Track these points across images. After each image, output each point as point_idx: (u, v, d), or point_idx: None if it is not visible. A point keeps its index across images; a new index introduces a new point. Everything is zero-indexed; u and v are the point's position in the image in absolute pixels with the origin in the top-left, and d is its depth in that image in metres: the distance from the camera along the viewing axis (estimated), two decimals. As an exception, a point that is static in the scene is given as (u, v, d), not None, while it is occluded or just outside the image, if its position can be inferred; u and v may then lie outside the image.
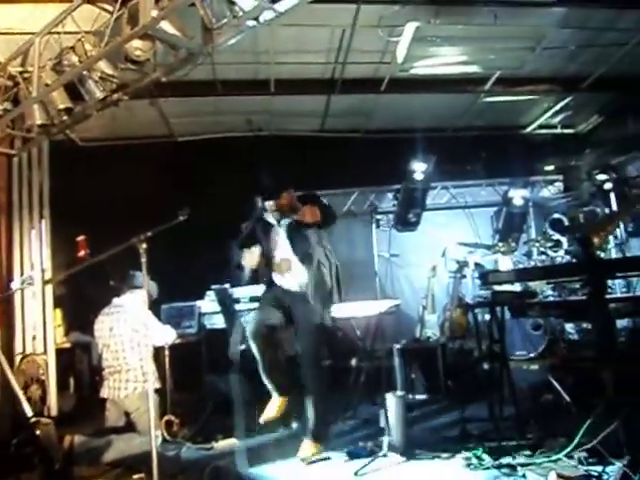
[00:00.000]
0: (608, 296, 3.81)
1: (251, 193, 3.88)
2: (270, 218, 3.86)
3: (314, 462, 3.44)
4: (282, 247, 3.81)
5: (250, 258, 3.86)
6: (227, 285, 5.21)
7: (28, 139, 4.80)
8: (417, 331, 6.04)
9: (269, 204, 3.75)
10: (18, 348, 4.94)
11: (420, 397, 4.92)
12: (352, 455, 3.47)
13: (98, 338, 4.39)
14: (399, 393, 3.66)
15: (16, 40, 4.06)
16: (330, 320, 3.75)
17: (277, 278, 3.81)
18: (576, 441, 2.96)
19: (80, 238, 6.65)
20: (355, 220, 7.44)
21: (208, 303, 5.40)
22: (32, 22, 3.94)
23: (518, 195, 7.26)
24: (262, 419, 3.70)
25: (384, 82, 5.85)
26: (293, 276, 3.75)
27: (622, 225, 6.20)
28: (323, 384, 3.67)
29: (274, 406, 3.69)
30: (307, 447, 3.52)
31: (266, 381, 3.71)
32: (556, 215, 6.52)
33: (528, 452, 3.12)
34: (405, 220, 7.14)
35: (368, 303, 4.77)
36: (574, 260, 4.63)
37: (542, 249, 5.37)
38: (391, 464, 3.27)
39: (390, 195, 7.65)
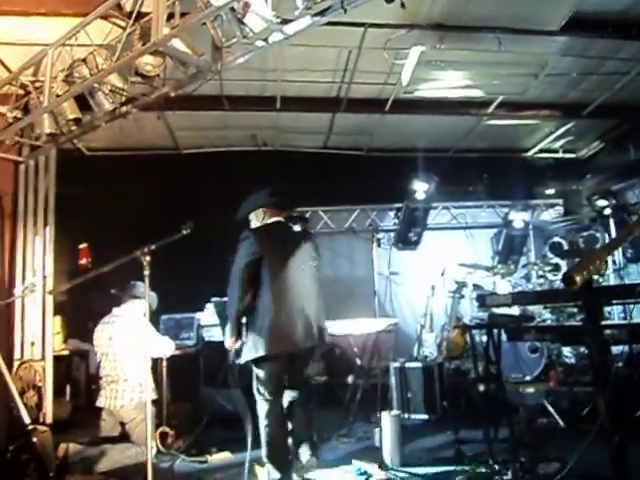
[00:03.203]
0: (605, 322, 3.84)
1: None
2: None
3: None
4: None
5: None
6: (226, 298, 5.23)
7: (36, 147, 4.88)
8: (415, 350, 6.05)
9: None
10: (17, 354, 4.96)
11: (415, 416, 4.91)
12: (347, 474, 3.47)
13: (97, 347, 4.39)
14: (395, 412, 3.67)
15: (29, 51, 4.14)
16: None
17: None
18: (569, 466, 2.96)
19: (82, 246, 6.71)
20: (356, 238, 7.50)
21: (207, 315, 5.42)
22: (45, 34, 4.03)
23: (518, 217, 7.32)
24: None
25: (388, 102, 5.93)
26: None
27: (620, 251, 6.24)
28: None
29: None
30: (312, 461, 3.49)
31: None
32: (556, 239, 6.57)
33: (522, 475, 3.13)
34: (406, 239, 7.19)
35: (366, 321, 4.79)
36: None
37: (541, 272, 5.40)
38: (384, 483, 3.28)
39: (391, 214, 7.72)
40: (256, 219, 3.69)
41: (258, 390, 3.37)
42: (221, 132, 6.60)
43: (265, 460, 3.30)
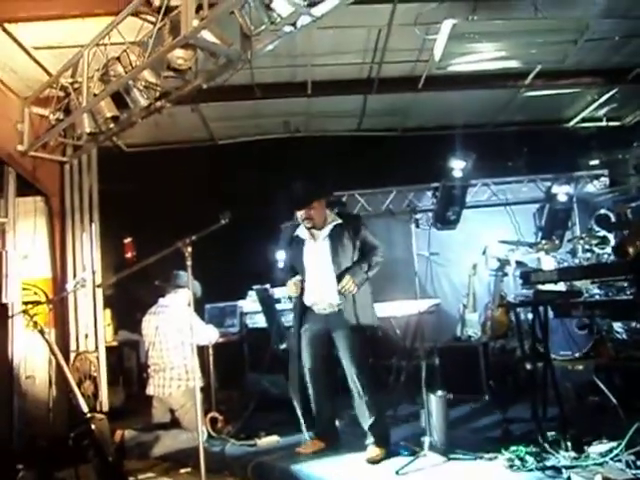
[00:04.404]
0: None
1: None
2: (302, 233, 3.77)
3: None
4: (316, 263, 3.69)
5: (292, 288, 3.74)
6: (268, 285, 5.31)
7: (78, 147, 5.04)
8: (458, 330, 5.98)
9: (299, 214, 3.68)
10: (72, 346, 5.20)
11: (461, 397, 4.87)
12: (393, 454, 3.49)
13: (145, 336, 4.54)
14: (440, 393, 3.65)
15: (66, 53, 4.26)
16: (376, 319, 3.75)
17: (310, 299, 3.70)
18: (624, 443, 2.89)
19: (127, 240, 6.93)
20: (394, 219, 7.44)
21: (250, 303, 5.53)
22: (81, 36, 4.12)
23: (562, 191, 7.08)
24: (297, 450, 3.70)
25: (421, 80, 5.80)
26: (327, 295, 3.63)
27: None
28: (377, 394, 3.66)
29: (311, 445, 3.70)
30: (372, 452, 3.51)
31: (316, 420, 3.73)
32: (602, 211, 6.34)
33: (573, 454, 3.07)
34: (444, 218, 7.08)
35: (408, 302, 4.77)
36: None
37: (587, 246, 5.23)
38: (432, 464, 3.28)
39: (429, 193, 7.62)
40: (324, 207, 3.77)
41: None
42: (254, 121, 6.63)
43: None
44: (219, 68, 3.79)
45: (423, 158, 6.73)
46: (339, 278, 3.56)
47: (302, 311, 3.73)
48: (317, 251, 3.70)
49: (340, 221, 3.75)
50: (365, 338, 3.59)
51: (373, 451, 3.49)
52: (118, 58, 3.94)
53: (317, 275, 3.67)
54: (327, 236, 3.69)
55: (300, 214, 3.68)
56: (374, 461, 3.43)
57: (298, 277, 3.74)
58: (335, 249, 3.63)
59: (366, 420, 3.57)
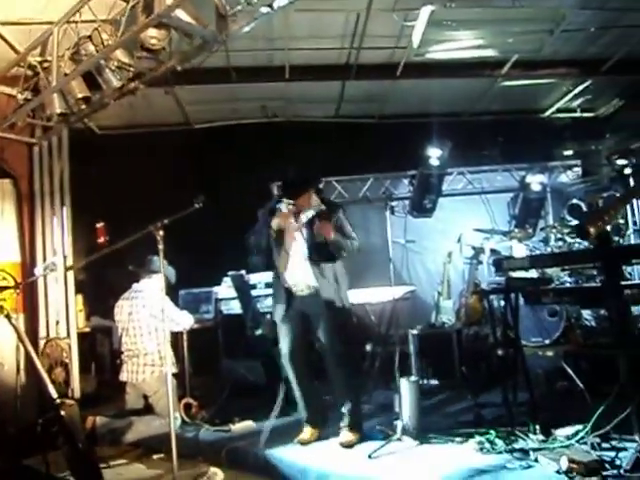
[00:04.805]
0: (624, 283, 3.78)
1: (267, 181, 3.83)
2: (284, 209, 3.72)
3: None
4: (295, 245, 3.67)
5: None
6: (243, 271, 5.28)
7: (48, 128, 4.90)
8: (432, 317, 6.05)
9: (288, 202, 3.65)
10: (42, 332, 5.11)
11: (434, 382, 4.94)
12: (367, 438, 3.52)
13: (118, 322, 4.48)
14: (413, 378, 3.69)
15: (35, 30, 4.12)
16: (348, 303, 3.73)
17: (289, 278, 3.66)
18: (589, 426, 2.97)
19: (99, 225, 6.79)
20: (370, 206, 7.44)
21: (225, 289, 5.49)
22: (50, 12, 3.99)
23: (536, 180, 7.17)
24: (296, 440, 3.63)
25: (399, 67, 5.80)
26: (305, 276, 3.61)
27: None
28: (352, 378, 3.67)
29: (307, 434, 3.67)
30: (346, 436, 3.53)
31: (302, 408, 3.71)
32: (574, 201, 6.44)
33: (541, 437, 3.15)
34: (421, 206, 7.12)
35: (383, 289, 4.80)
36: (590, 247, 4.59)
37: (559, 235, 5.32)
38: (405, 448, 3.32)
39: (405, 181, 7.63)
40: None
41: None
42: (231, 105, 6.55)
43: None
44: (194, 49, 3.72)
45: (400, 145, 6.73)
46: (315, 270, 3.56)
47: (284, 294, 3.68)
48: (293, 236, 3.69)
49: (323, 207, 3.74)
50: (342, 320, 3.61)
51: (347, 435, 3.52)
52: (90, 37, 3.82)
53: (295, 257, 3.66)
54: (305, 223, 3.68)
55: (287, 201, 3.67)
56: (348, 445, 3.46)
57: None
58: (313, 234, 3.62)
59: (342, 403, 3.59)
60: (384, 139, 6.74)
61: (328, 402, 3.83)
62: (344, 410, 3.58)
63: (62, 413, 2.84)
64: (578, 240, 5.16)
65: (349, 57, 5.72)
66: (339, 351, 3.55)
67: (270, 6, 3.38)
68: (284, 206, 3.70)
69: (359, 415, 3.66)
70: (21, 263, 5.15)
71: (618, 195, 5.47)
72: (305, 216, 3.68)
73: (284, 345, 3.67)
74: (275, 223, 3.64)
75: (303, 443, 3.59)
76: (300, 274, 3.63)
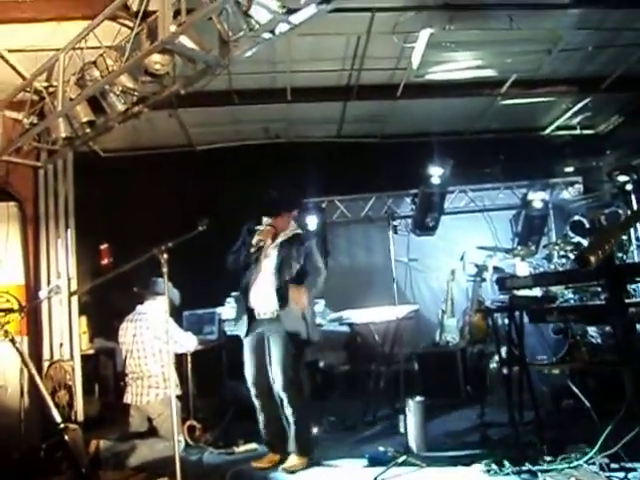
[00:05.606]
0: (629, 300, 3.77)
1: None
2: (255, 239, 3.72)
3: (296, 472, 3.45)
4: (263, 267, 3.71)
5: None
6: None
7: (53, 151, 4.94)
8: (437, 335, 6.03)
9: (265, 220, 3.74)
10: (46, 355, 5.09)
11: (440, 402, 4.90)
12: (372, 460, 3.49)
13: (122, 344, 4.48)
14: (418, 398, 3.67)
15: (41, 57, 4.19)
16: (317, 336, 3.75)
17: (252, 299, 3.70)
18: (597, 447, 2.94)
19: (103, 247, 6.82)
20: (373, 226, 7.47)
21: (228, 310, 5.48)
22: (56, 39, 4.07)
23: (537, 198, 7.20)
24: (253, 465, 3.64)
25: (400, 88, 5.87)
26: (267, 301, 3.65)
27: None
28: (302, 402, 3.63)
29: (266, 459, 3.66)
30: (292, 461, 3.53)
31: (263, 434, 3.71)
32: (577, 217, 6.44)
33: (549, 458, 3.10)
34: (423, 225, 7.14)
35: (387, 308, 4.79)
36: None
37: (563, 252, 5.31)
38: (410, 470, 3.28)
39: (408, 200, 7.66)
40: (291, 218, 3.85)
41: None
42: (233, 127, 6.62)
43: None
44: (197, 74, 3.77)
45: (402, 164, 6.78)
46: (279, 288, 3.59)
47: (246, 315, 3.72)
48: (267, 256, 3.75)
49: (299, 231, 3.83)
50: (296, 346, 3.60)
51: (292, 460, 3.53)
52: (94, 62, 3.88)
53: (261, 279, 3.70)
54: (278, 244, 3.75)
55: (266, 220, 3.76)
56: (290, 471, 3.45)
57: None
58: (281, 258, 3.68)
59: (289, 429, 3.59)
60: (386, 158, 6.78)
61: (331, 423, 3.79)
62: (290, 435, 3.57)
63: (66, 438, 2.83)
64: (581, 257, 5.15)
65: (350, 78, 5.80)
66: (290, 377, 3.54)
67: (272, 32, 3.44)
68: (263, 225, 3.75)
69: (306, 440, 3.64)
70: (25, 285, 5.16)
71: (618, 222, 5.48)
72: (275, 243, 3.74)
73: (248, 368, 3.69)
74: (255, 240, 3.69)
75: (257, 468, 3.57)
76: (263, 296, 3.66)
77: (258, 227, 3.76)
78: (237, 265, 3.78)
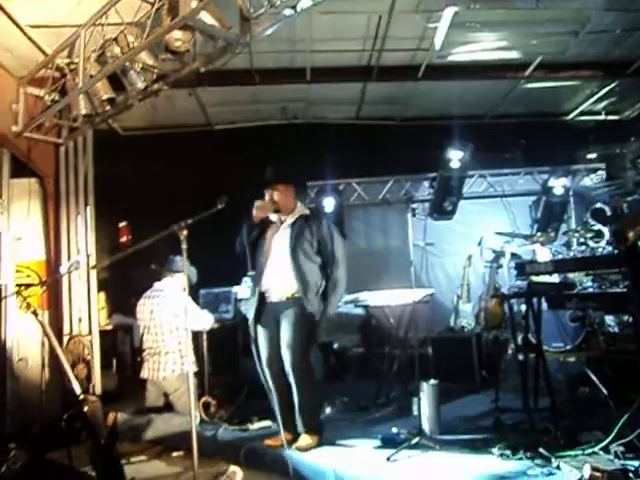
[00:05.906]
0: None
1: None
2: (272, 215, 3.74)
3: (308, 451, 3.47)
4: (276, 249, 3.69)
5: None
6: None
7: (74, 128, 4.98)
8: (452, 320, 6.02)
9: (266, 195, 3.72)
10: (66, 329, 5.19)
11: (454, 386, 4.91)
12: (385, 441, 3.51)
13: (139, 320, 4.55)
14: (433, 382, 3.67)
15: (63, 33, 4.19)
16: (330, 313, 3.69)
17: (265, 282, 3.70)
18: (613, 435, 2.92)
19: (122, 224, 6.89)
20: (390, 209, 7.44)
21: (244, 289, 5.50)
22: (77, 15, 4.06)
23: (559, 184, 7.10)
24: (265, 443, 3.65)
25: (421, 69, 5.77)
26: (281, 283, 3.64)
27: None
28: (311, 382, 3.63)
29: (279, 438, 3.56)
30: (304, 440, 3.55)
31: (277, 415, 3.64)
32: (598, 205, 6.33)
33: (563, 444, 3.10)
34: (441, 209, 7.08)
35: (402, 292, 4.77)
36: (615, 251, 4.51)
37: (582, 239, 5.24)
38: (423, 452, 3.30)
39: (426, 183, 7.61)
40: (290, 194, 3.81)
41: None
42: (252, 106, 6.59)
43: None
44: (217, 51, 3.74)
45: (421, 148, 6.71)
46: (297, 274, 3.57)
47: (257, 298, 3.72)
48: (278, 237, 3.73)
49: (307, 212, 3.79)
50: (308, 328, 3.59)
51: (304, 439, 3.54)
52: (115, 39, 3.88)
53: (274, 261, 3.68)
54: (290, 225, 3.72)
55: (266, 195, 3.73)
56: (303, 449, 3.47)
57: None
58: (294, 239, 3.65)
59: (298, 409, 3.60)
60: (405, 141, 6.72)
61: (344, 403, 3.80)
62: (298, 414, 3.59)
63: (85, 409, 2.89)
64: (601, 245, 5.08)
65: (370, 59, 5.71)
66: (298, 359, 3.54)
67: (293, 8, 3.39)
68: (260, 201, 3.73)
69: (315, 420, 3.66)
70: (46, 261, 5.24)
71: None
72: (286, 224, 3.72)
73: (262, 351, 3.69)
74: (254, 213, 3.67)
75: (270, 446, 3.59)
76: (276, 279, 3.65)
77: (257, 202, 3.72)
78: (242, 248, 3.74)
